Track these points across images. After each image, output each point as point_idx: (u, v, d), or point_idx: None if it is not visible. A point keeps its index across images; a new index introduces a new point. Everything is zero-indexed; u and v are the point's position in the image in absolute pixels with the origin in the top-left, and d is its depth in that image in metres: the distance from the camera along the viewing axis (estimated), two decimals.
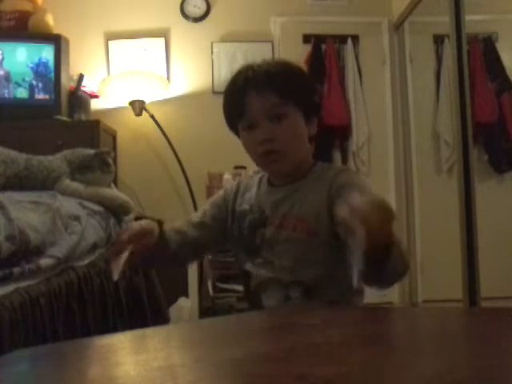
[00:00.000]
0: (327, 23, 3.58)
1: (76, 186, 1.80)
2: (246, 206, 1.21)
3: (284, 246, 1.12)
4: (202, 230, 1.24)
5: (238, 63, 3.42)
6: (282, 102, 1.09)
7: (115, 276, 1.00)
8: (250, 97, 1.09)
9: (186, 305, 2.86)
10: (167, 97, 3.47)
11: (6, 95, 2.93)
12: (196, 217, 1.28)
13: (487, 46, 3.48)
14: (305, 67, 3.50)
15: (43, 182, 1.77)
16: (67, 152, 1.93)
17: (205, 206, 1.31)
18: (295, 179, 1.16)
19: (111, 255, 1.10)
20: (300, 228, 1.10)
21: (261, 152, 1.11)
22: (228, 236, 1.24)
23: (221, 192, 1.30)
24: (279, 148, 1.09)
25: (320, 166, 1.18)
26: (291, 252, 1.12)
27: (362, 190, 1.02)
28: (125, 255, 1.00)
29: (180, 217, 3.68)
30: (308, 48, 3.54)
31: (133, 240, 1.04)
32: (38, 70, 2.93)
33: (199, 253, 1.41)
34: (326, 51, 3.53)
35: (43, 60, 2.93)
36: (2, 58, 2.92)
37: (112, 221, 1.81)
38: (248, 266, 1.19)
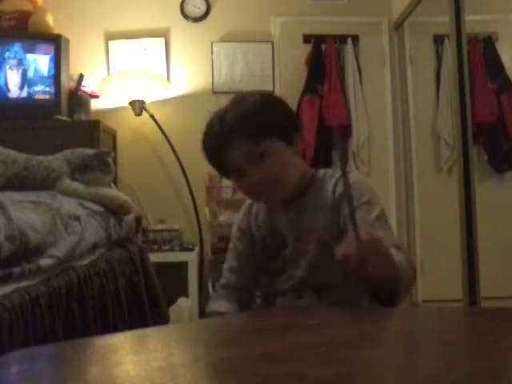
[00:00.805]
0: (327, 23, 3.57)
1: (76, 185, 1.80)
2: (263, 231, 1.23)
3: (302, 259, 1.16)
4: (245, 271, 1.26)
5: (238, 63, 3.52)
6: (257, 144, 1.09)
7: None
8: (225, 152, 1.11)
9: (186, 305, 2.86)
10: (167, 97, 3.47)
11: (6, 95, 2.93)
12: (231, 262, 1.29)
13: (487, 46, 3.48)
14: (305, 67, 3.51)
15: (43, 182, 1.76)
16: (67, 152, 1.92)
17: (230, 245, 1.31)
18: (300, 195, 1.18)
19: None
20: (313, 239, 1.14)
21: (254, 197, 1.18)
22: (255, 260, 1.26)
23: (235, 228, 1.30)
24: (270, 184, 1.11)
25: (319, 175, 1.20)
26: (305, 262, 1.15)
27: (361, 192, 1.09)
28: None
29: (180, 217, 3.65)
30: (308, 48, 3.54)
31: None
32: (38, 70, 2.93)
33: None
34: (325, 51, 3.52)
35: (43, 60, 2.93)
36: (2, 59, 2.92)
37: (112, 221, 1.81)
38: (277, 284, 1.20)
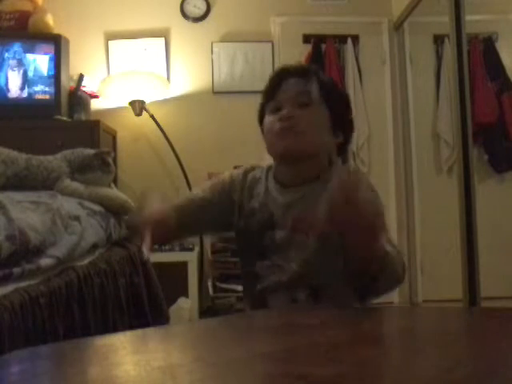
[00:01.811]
0: (327, 23, 3.58)
1: (76, 185, 1.80)
2: (255, 204, 1.20)
3: (295, 252, 1.12)
4: (205, 207, 1.24)
5: (238, 63, 3.51)
6: (312, 92, 1.13)
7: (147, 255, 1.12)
8: (284, 83, 1.16)
9: (186, 305, 2.86)
10: (167, 97, 3.47)
11: (6, 95, 2.93)
12: (196, 194, 1.27)
13: (487, 46, 3.48)
14: None
15: (43, 182, 1.76)
16: (67, 152, 1.92)
17: (205, 185, 1.29)
18: (305, 182, 1.15)
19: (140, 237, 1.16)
20: (312, 233, 1.10)
21: (278, 128, 1.13)
22: (234, 230, 1.24)
23: (226, 177, 1.27)
24: (296, 127, 1.11)
25: (334, 169, 1.18)
26: (302, 257, 1.12)
27: (372, 194, 1.04)
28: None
29: None
30: (308, 48, 3.54)
31: (152, 228, 1.11)
32: (38, 70, 2.93)
33: (198, 230, 1.40)
34: (325, 51, 3.53)
35: (43, 60, 2.93)
36: (2, 59, 2.92)
37: (112, 221, 1.81)
38: (257, 268, 1.17)
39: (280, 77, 1.18)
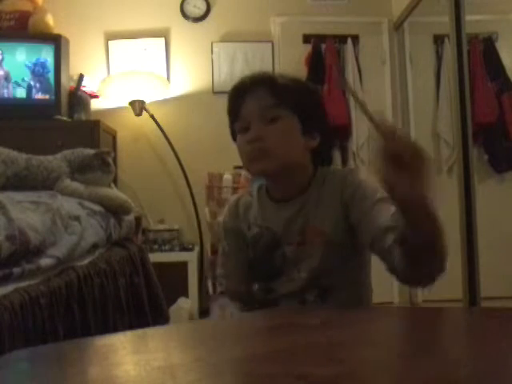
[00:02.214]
0: (327, 23, 3.57)
1: (76, 185, 1.80)
2: (255, 230, 1.18)
3: (305, 262, 1.12)
4: (242, 270, 1.23)
5: (238, 63, 3.51)
6: (276, 103, 1.08)
7: None
8: (246, 99, 1.11)
9: (186, 305, 2.86)
10: (167, 97, 3.47)
11: (6, 95, 2.93)
12: (225, 266, 1.28)
13: (487, 46, 3.48)
14: (305, 67, 3.51)
15: (43, 182, 1.76)
16: (67, 152, 1.92)
17: (220, 250, 1.29)
18: (299, 192, 1.14)
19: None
20: (318, 240, 1.10)
21: (249, 151, 1.10)
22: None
23: (222, 230, 1.27)
24: (266, 147, 1.07)
25: (321, 172, 1.16)
26: (310, 266, 1.11)
27: (373, 189, 1.03)
28: None
29: (180, 217, 3.65)
30: (308, 48, 3.54)
31: None
32: (38, 70, 2.93)
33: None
34: (326, 51, 3.52)
35: (43, 60, 2.93)
36: (2, 58, 2.92)
37: (112, 221, 1.81)
38: (274, 285, 1.17)
39: (242, 91, 1.13)
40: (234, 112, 1.15)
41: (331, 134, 1.20)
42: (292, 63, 3.53)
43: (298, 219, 1.13)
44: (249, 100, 1.11)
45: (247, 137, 1.10)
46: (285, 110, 1.09)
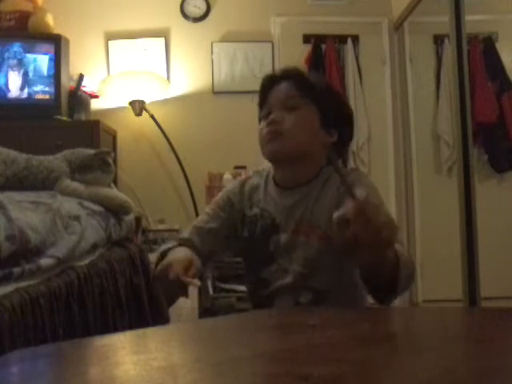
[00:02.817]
0: (327, 23, 3.58)
1: (76, 185, 1.80)
2: (256, 210, 1.21)
3: (299, 252, 1.13)
4: (213, 238, 1.25)
5: (238, 63, 3.51)
6: (299, 95, 1.16)
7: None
8: (273, 89, 1.19)
9: (186, 305, 2.86)
10: (167, 97, 3.47)
11: (6, 95, 2.93)
12: (202, 223, 1.27)
13: (487, 46, 3.48)
14: (305, 67, 3.51)
15: (43, 182, 1.76)
16: (67, 152, 1.92)
17: (207, 209, 1.30)
18: (304, 183, 1.16)
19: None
20: (313, 234, 1.12)
21: (265, 133, 1.16)
22: (238, 240, 1.24)
23: (223, 197, 1.28)
24: (280, 130, 1.13)
25: (327, 170, 1.18)
26: (304, 258, 1.13)
27: (371, 191, 1.05)
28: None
29: (180, 217, 3.65)
30: (308, 48, 3.54)
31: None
32: (38, 70, 2.93)
33: (219, 253, 1.40)
34: (326, 51, 3.53)
35: (43, 60, 2.93)
36: (2, 59, 2.92)
37: (112, 221, 1.81)
38: (265, 274, 1.18)
39: (270, 82, 1.21)
40: (262, 97, 1.23)
41: (349, 137, 1.24)
42: (292, 63, 3.50)
43: (296, 209, 1.15)
44: (275, 90, 1.19)
45: (268, 119, 1.16)
46: (306, 103, 1.16)
